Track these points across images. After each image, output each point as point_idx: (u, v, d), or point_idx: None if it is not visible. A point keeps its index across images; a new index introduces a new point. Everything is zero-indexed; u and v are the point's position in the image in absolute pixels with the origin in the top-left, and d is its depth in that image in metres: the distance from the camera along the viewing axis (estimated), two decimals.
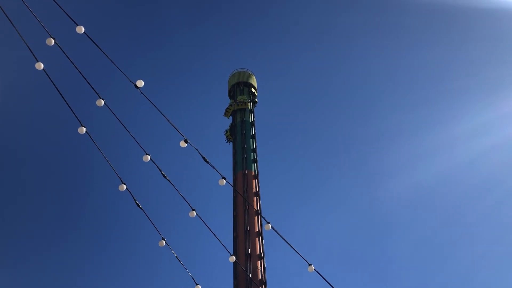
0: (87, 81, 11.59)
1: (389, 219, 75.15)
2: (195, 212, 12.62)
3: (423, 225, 73.43)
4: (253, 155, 43.86)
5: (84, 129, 11.92)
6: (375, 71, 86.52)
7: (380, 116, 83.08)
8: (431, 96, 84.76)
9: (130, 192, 12.63)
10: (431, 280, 66.70)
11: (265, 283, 34.03)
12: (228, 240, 37.07)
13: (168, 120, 11.75)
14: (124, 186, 12.58)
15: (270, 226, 12.72)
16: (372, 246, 72.34)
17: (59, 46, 11.39)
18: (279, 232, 12.60)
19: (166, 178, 12.16)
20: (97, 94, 11.71)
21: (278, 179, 76.44)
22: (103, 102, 11.79)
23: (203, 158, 12.01)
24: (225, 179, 12.31)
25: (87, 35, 11.48)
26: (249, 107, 48.27)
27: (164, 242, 12.98)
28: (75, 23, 11.32)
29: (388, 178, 77.06)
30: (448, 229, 73.33)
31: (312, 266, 12.46)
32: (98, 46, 11.69)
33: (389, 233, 73.73)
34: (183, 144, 12.03)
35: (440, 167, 73.05)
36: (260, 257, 35.66)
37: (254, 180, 41.31)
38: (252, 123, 47.20)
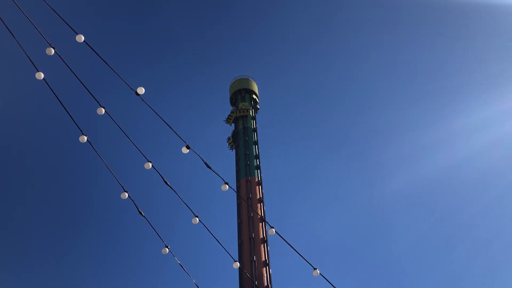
0: (87, 89, 11.60)
1: (389, 216, 74.81)
2: (198, 219, 12.55)
3: (423, 222, 73.12)
4: (256, 162, 43.80)
5: (86, 138, 11.89)
6: (373, 67, 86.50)
7: (379, 113, 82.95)
8: (430, 92, 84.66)
9: (132, 200, 12.59)
10: (432, 276, 66.39)
11: None
12: (233, 247, 36.98)
13: (169, 126, 11.73)
14: (126, 194, 12.53)
15: (274, 230, 12.64)
16: (376, 244, 72.00)
17: (59, 56, 11.41)
18: (283, 236, 12.53)
19: (168, 185, 12.10)
20: (98, 102, 11.70)
21: (281, 184, 76.24)
22: (103, 110, 11.77)
23: (205, 163, 11.97)
24: (227, 184, 12.25)
25: (87, 44, 11.50)
26: (251, 113, 48.27)
27: (167, 249, 12.91)
28: (75, 32, 11.35)
29: (387, 174, 76.83)
30: (447, 225, 73.11)
31: (317, 270, 12.35)
32: (98, 55, 11.71)
33: (390, 230, 73.41)
34: (185, 150, 11.98)
35: (439, 163, 72.79)
36: (266, 264, 35.50)
37: (257, 187, 41.23)
38: (254, 130, 47.17)
